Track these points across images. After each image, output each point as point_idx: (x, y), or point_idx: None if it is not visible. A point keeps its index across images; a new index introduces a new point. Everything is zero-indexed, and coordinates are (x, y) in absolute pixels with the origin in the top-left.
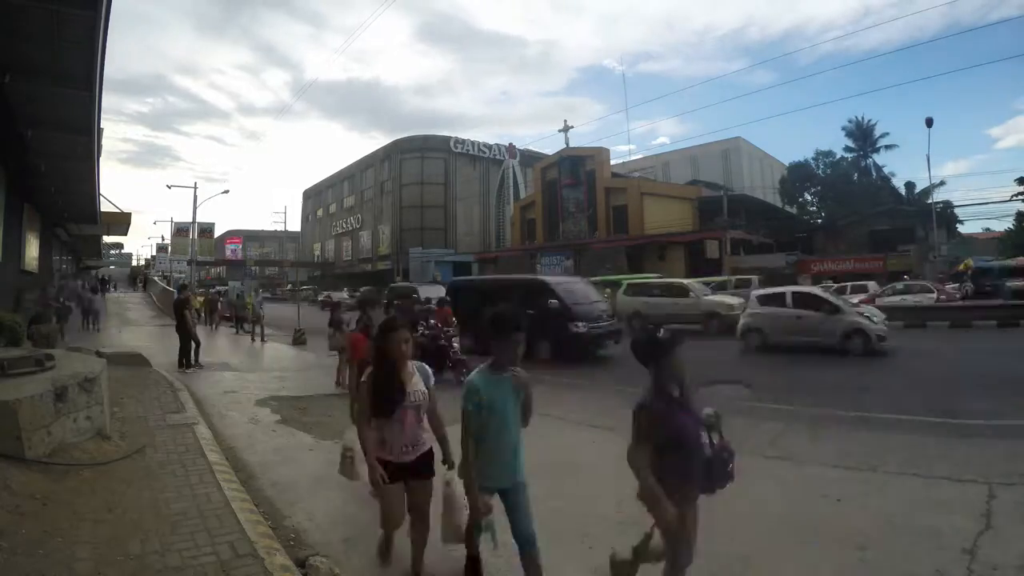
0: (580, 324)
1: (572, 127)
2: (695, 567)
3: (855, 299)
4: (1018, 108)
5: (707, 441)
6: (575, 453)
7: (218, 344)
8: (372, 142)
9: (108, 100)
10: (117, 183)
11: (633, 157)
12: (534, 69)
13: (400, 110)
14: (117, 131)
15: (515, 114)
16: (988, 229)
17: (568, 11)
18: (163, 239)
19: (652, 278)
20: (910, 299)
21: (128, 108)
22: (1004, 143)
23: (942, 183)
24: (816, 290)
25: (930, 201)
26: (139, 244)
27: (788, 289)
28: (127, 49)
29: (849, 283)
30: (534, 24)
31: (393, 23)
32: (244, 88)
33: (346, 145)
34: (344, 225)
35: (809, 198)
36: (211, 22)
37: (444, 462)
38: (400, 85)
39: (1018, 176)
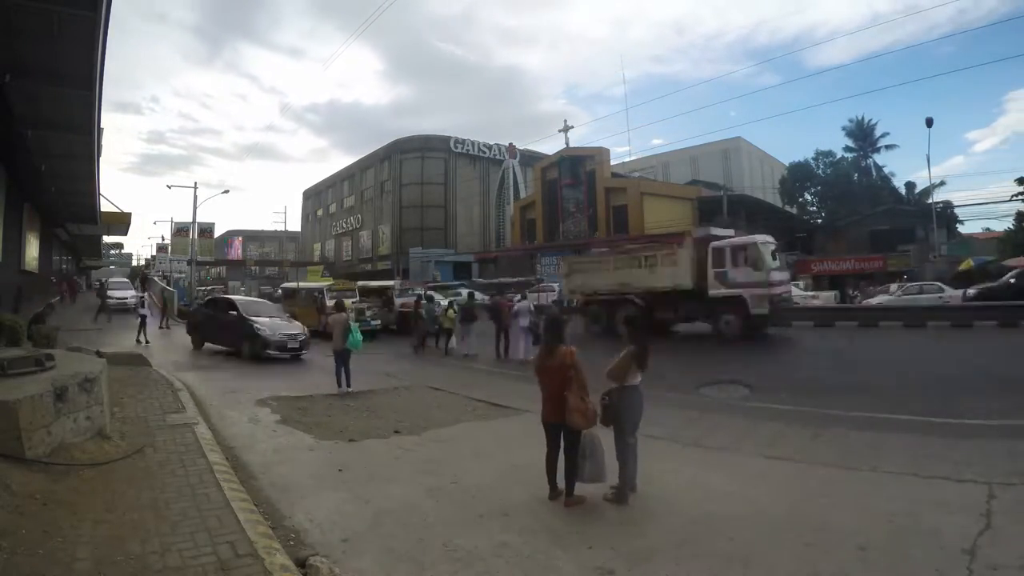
0: None
1: (572, 127)
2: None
3: None
4: (1002, 111)
5: None
6: None
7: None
8: (358, 155)
9: (106, 118)
10: (117, 186)
11: (633, 157)
12: (528, 83)
13: (382, 128)
14: (116, 145)
15: (508, 127)
16: (988, 229)
17: (565, 20)
18: (163, 239)
19: None
20: None
21: (126, 125)
22: (982, 145)
23: (942, 183)
24: None
25: (930, 201)
26: (139, 244)
27: None
28: (124, 71)
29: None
30: (522, 35)
31: (366, 53)
32: (235, 109)
33: (336, 158)
34: (344, 225)
35: (809, 198)
36: (199, 57)
37: None
38: (380, 105)
39: (1018, 176)
